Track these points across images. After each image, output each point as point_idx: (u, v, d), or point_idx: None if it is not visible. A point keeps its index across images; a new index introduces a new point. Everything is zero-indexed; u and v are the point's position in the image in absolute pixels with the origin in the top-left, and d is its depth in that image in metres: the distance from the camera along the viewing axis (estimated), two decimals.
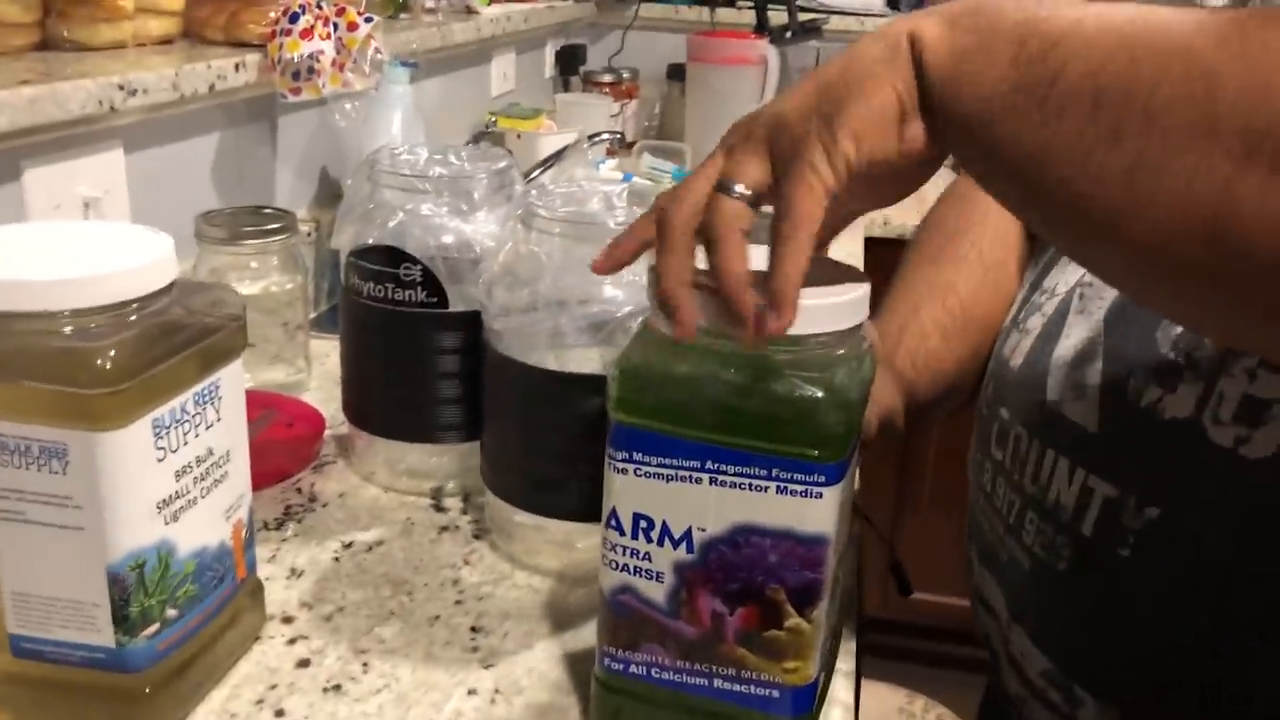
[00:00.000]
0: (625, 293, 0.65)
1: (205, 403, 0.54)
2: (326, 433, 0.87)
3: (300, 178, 1.22)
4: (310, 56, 1.03)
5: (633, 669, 0.55)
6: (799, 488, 0.50)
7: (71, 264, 0.50)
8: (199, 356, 0.53)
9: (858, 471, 0.59)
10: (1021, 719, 0.66)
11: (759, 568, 0.51)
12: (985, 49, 0.43)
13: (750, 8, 1.99)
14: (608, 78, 2.04)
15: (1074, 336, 0.59)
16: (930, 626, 1.89)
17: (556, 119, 1.82)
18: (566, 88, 2.08)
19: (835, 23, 2.09)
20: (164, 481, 0.52)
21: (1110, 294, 0.58)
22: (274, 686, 0.59)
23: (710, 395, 0.50)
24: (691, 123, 1.92)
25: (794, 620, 0.52)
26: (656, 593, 0.53)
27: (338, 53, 1.05)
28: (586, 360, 0.67)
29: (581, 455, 0.68)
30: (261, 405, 0.87)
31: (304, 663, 0.61)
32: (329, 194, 1.26)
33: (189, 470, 0.53)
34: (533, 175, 1.40)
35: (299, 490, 0.80)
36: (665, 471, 0.51)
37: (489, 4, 1.69)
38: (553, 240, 0.66)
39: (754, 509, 0.50)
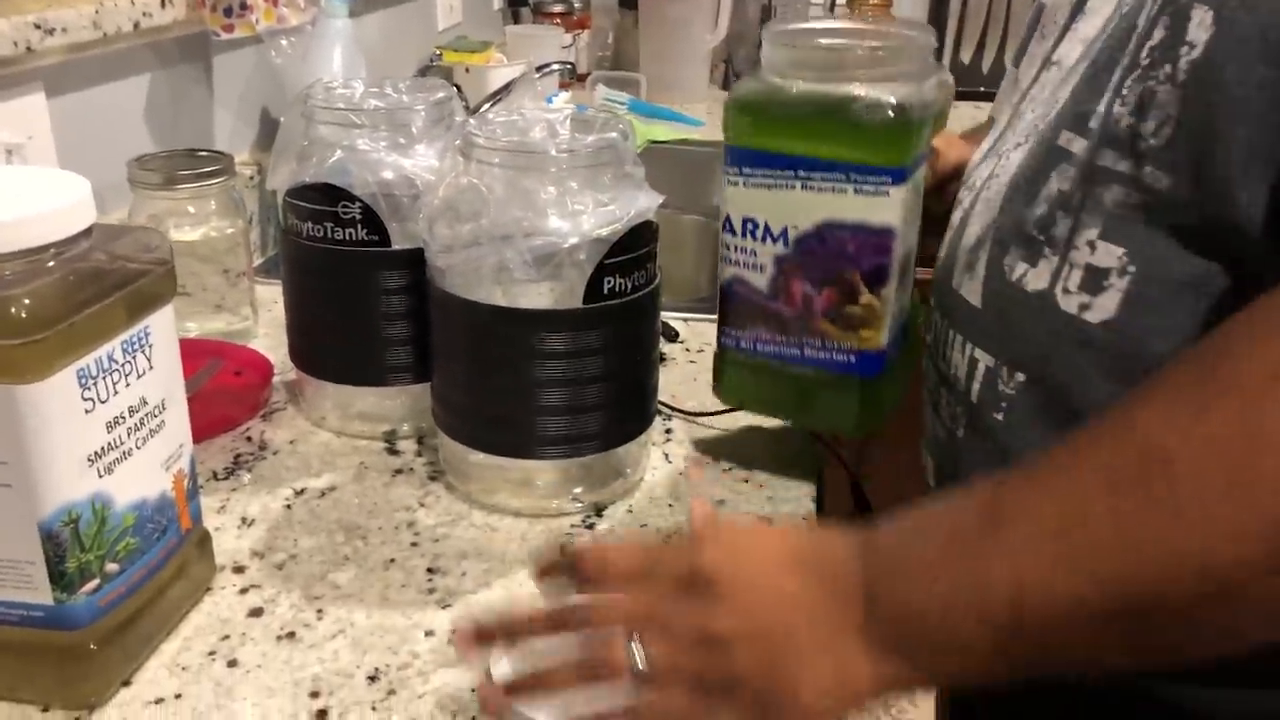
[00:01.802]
0: (570, 224, 0.63)
1: (135, 350, 0.52)
2: (275, 379, 0.85)
3: (239, 119, 1.18)
4: None
5: (743, 344, 0.71)
6: (870, 187, 0.65)
7: None
8: (125, 302, 0.51)
9: (921, 194, 0.71)
10: None
11: (840, 255, 0.66)
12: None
13: None
14: (559, 8, 1.99)
15: (975, 225, 0.63)
16: None
17: (506, 52, 1.78)
18: (516, 19, 2.02)
19: None
20: (94, 433, 0.50)
21: (1005, 180, 0.60)
22: (226, 637, 0.58)
23: (800, 118, 0.66)
24: (646, 52, 1.88)
25: (867, 298, 0.67)
26: (760, 281, 0.69)
27: None
28: (535, 294, 0.66)
29: (534, 391, 0.67)
30: (207, 354, 0.85)
31: (256, 612, 0.60)
32: (270, 135, 1.22)
33: (121, 421, 0.52)
34: (482, 109, 1.37)
35: (249, 439, 0.78)
36: (767, 181, 0.67)
37: None
38: (494, 171, 0.64)
39: (835, 207, 0.66)
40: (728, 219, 0.69)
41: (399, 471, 0.74)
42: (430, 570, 0.64)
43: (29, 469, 0.47)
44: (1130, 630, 0.40)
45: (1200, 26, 0.48)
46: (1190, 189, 0.48)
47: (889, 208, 0.65)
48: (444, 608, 0.60)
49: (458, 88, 1.52)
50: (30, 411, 0.47)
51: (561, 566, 0.51)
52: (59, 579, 0.50)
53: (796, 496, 0.72)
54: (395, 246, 0.73)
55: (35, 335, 0.46)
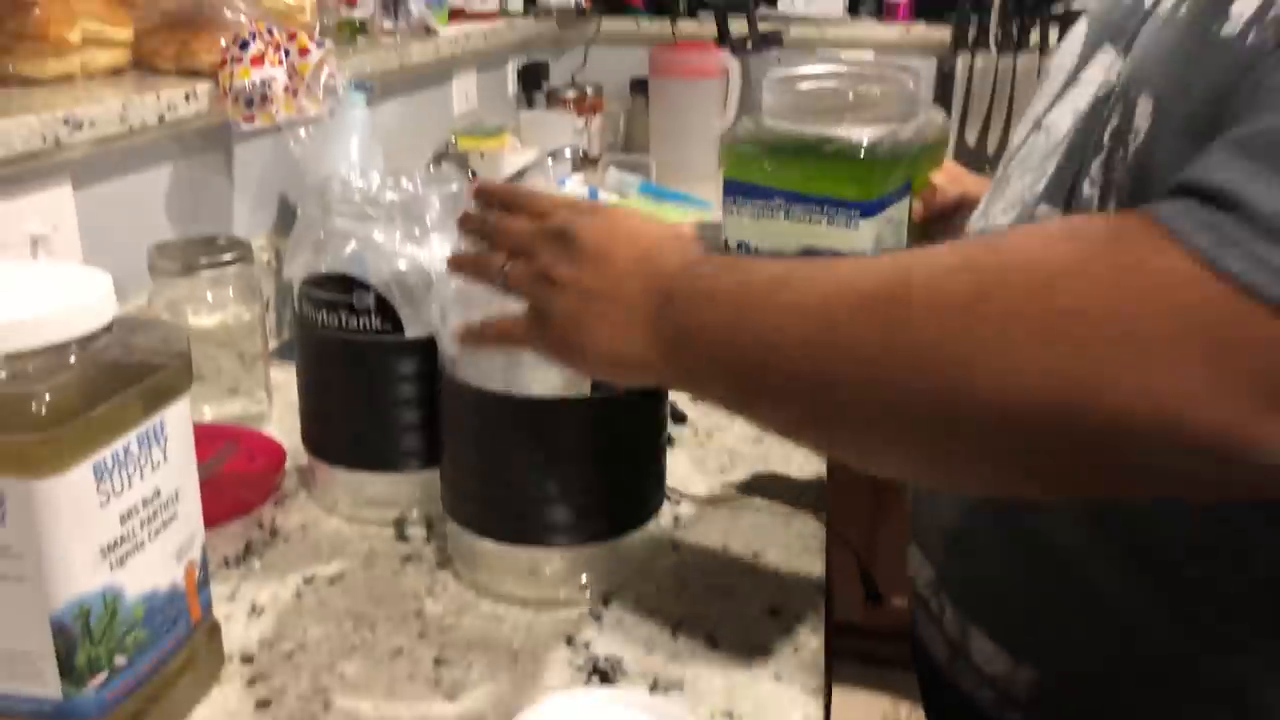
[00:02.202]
0: None
1: (150, 443, 0.53)
2: (288, 464, 0.85)
3: (258, 206, 1.20)
4: (262, 84, 1.02)
5: None
6: (841, 219, 0.74)
7: (4, 306, 0.49)
8: (142, 396, 0.52)
9: (905, 223, 0.80)
10: (919, 640, 0.73)
11: None
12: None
13: (711, 19, 1.99)
14: (571, 94, 2.03)
15: None
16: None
17: (521, 136, 1.82)
18: (530, 105, 2.07)
19: (795, 32, 2.09)
20: (108, 526, 0.51)
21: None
22: None
23: (781, 156, 0.75)
24: (656, 136, 1.92)
25: None
26: None
27: (290, 79, 1.04)
28: (545, 381, 0.66)
29: (542, 478, 0.67)
30: (221, 439, 0.86)
31: (264, 703, 0.60)
32: (288, 222, 1.24)
33: (135, 513, 0.52)
34: None
35: (260, 525, 0.78)
36: (755, 210, 0.77)
37: (448, 24, 1.69)
38: None
39: (813, 235, 0.75)
40: (726, 242, 0.79)
41: (408, 558, 0.74)
42: (437, 661, 0.63)
43: (43, 562, 0.48)
44: (815, 397, 0.48)
45: (1143, 115, 0.51)
46: None
47: (858, 238, 0.75)
48: (450, 700, 0.60)
49: (473, 172, 1.56)
50: (46, 506, 0.47)
51: (491, 195, 0.64)
52: (68, 672, 0.50)
53: (805, 583, 0.72)
54: (409, 335, 0.74)
55: (54, 430, 0.47)
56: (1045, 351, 0.40)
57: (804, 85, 0.81)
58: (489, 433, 0.68)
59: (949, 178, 0.85)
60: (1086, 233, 0.43)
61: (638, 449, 0.70)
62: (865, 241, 0.75)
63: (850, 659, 0.73)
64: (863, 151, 0.74)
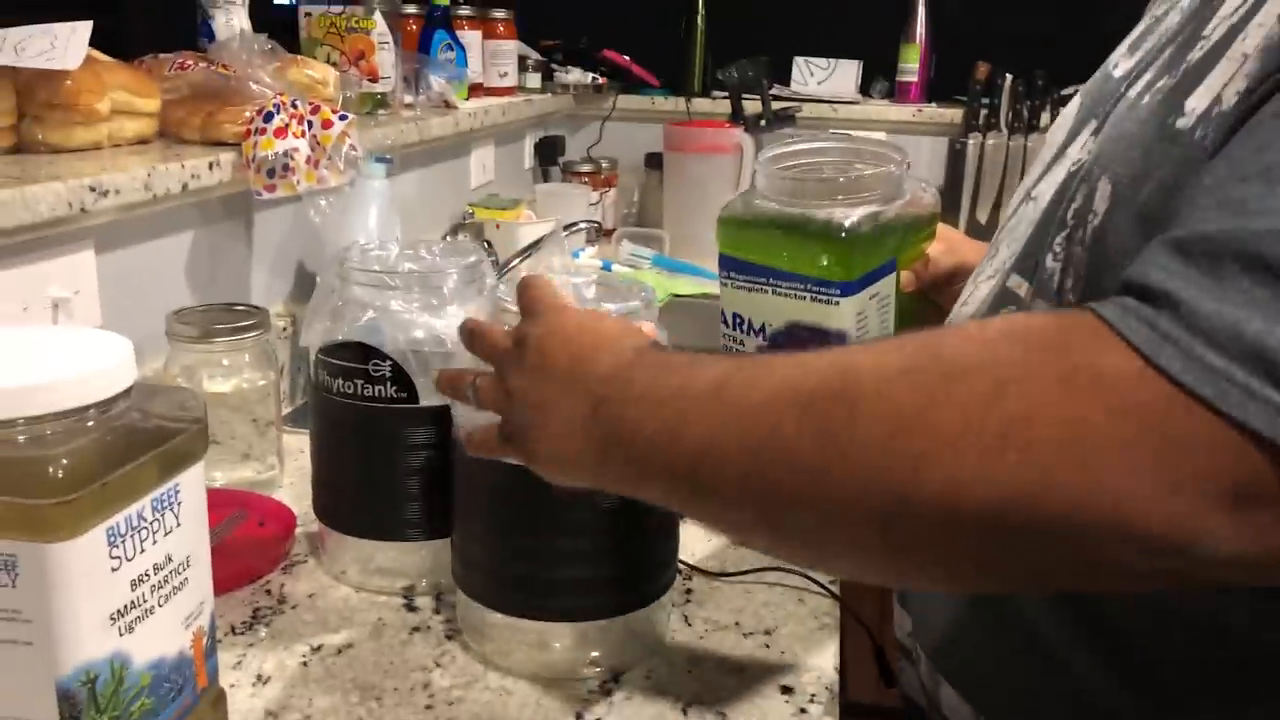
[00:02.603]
0: None
1: (164, 508, 0.53)
2: (298, 530, 0.85)
3: (276, 274, 1.22)
4: (285, 154, 1.04)
5: None
6: (823, 296, 0.75)
7: (26, 370, 0.49)
8: (157, 461, 0.52)
9: (893, 297, 0.82)
10: (904, 693, 0.74)
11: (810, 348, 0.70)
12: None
13: (725, 98, 2.03)
14: (586, 167, 2.06)
15: None
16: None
17: (536, 209, 1.84)
18: (546, 178, 2.10)
19: (809, 110, 2.13)
20: (118, 591, 0.50)
21: (968, 314, 0.65)
22: None
23: (768, 234, 0.77)
24: (670, 210, 1.94)
25: None
26: None
27: (312, 150, 1.06)
28: None
29: (553, 552, 0.67)
30: (232, 504, 0.86)
31: None
32: (305, 289, 1.26)
33: (145, 579, 0.52)
34: (511, 265, 1.41)
35: (268, 591, 0.78)
36: (747, 285, 0.78)
37: (467, 98, 1.72)
38: None
39: (797, 311, 0.76)
40: (723, 313, 0.81)
41: (416, 629, 0.73)
42: None
43: (51, 628, 0.48)
44: (762, 504, 0.48)
45: (1101, 197, 0.52)
46: None
47: (839, 316, 0.76)
48: None
49: (488, 243, 1.58)
50: (58, 570, 0.47)
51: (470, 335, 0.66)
52: None
53: (818, 662, 0.71)
54: (423, 403, 0.74)
55: (70, 495, 0.47)
56: (994, 459, 0.40)
57: (793, 164, 0.84)
58: (500, 505, 0.68)
59: (945, 247, 0.86)
60: (1033, 335, 0.43)
61: (651, 524, 0.69)
62: (847, 318, 0.77)
63: None
64: (843, 232, 0.76)
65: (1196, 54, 0.50)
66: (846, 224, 0.76)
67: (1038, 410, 0.40)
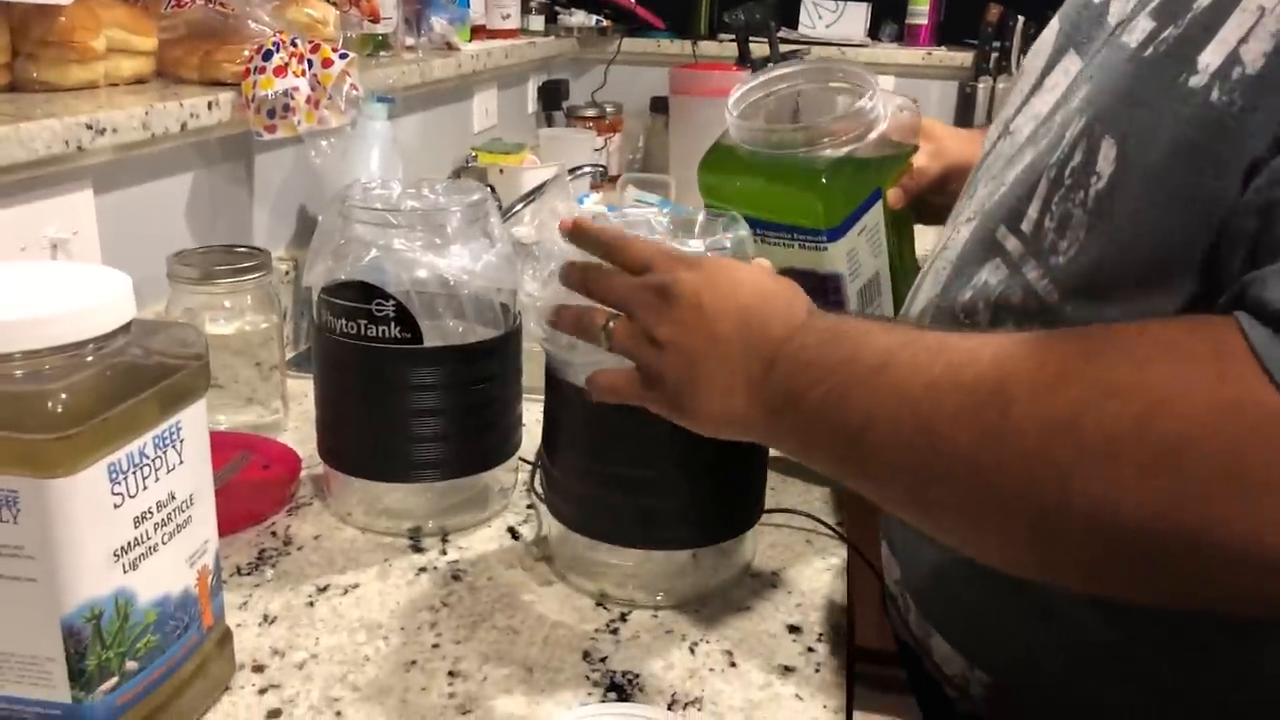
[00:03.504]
0: None
1: (166, 445, 0.53)
2: (303, 473, 0.85)
3: (277, 216, 1.20)
4: (285, 94, 1.02)
5: None
6: (810, 244, 0.77)
7: (23, 305, 0.48)
8: (158, 397, 0.52)
9: (882, 224, 0.83)
10: (897, 638, 0.73)
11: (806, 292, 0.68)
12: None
13: (732, 40, 1.99)
14: (591, 112, 2.04)
15: (923, 295, 0.66)
16: None
17: (540, 154, 1.82)
18: (550, 123, 2.08)
19: (817, 53, 2.09)
20: (121, 528, 0.50)
21: (951, 257, 0.64)
22: None
23: (752, 192, 0.78)
24: (675, 155, 1.92)
25: None
26: None
27: (313, 89, 1.04)
28: None
29: (657, 479, 0.67)
30: (237, 447, 0.86)
31: (274, 713, 0.59)
32: (307, 232, 1.24)
33: (149, 516, 0.52)
34: (514, 209, 1.39)
35: (274, 533, 0.78)
36: None
37: (469, 40, 1.69)
38: None
39: (789, 258, 0.79)
40: None
41: (423, 570, 0.73)
42: (451, 673, 0.62)
43: (55, 564, 0.47)
44: (915, 484, 0.49)
45: (1106, 159, 0.50)
46: (1076, 309, 0.51)
47: (830, 260, 0.78)
48: (464, 714, 0.59)
49: (491, 188, 1.56)
50: (59, 506, 0.47)
51: (588, 238, 0.63)
52: (78, 677, 0.49)
53: (826, 603, 0.71)
54: (427, 344, 0.73)
55: (69, 430, 0.46)
56: (1146, 479, 0.40)
57: (766, 94, 0.84)
58: (611, 437, 0.67)
59: (932, 150, 0.87)
60: (1184, 353, 0.42)
61: (745, 457, 0.69)
62: (838, 260, 0.79)
63: (871, 683, 0.72)
64: (823, 178, 0.76)
65: (1203, 1, 0.48)
66: (824, 173, 0.76)
67: (1193, 438, 0.39)
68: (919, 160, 0.86)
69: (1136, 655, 0.55)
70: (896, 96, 0.86)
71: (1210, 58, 0.46)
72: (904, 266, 0.91)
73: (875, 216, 0.82)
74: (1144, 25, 0.51)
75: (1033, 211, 0.56)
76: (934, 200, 0.88)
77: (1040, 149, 0.58)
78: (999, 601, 0.60)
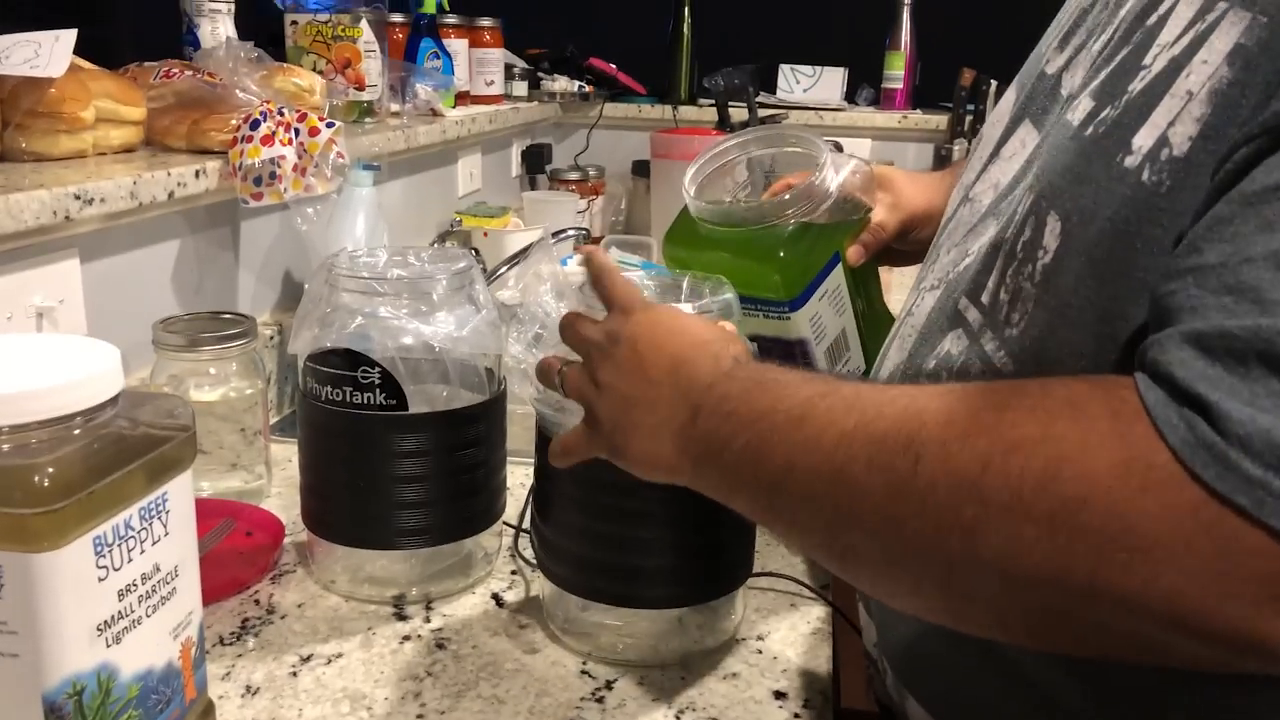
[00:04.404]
0: None
1: (152, 517, 0.53)
2: (286, 540, 0.85)
3: (263, 282, 1.21)
4: (271, 162, 1.03)
5: None
6: (774, 314, 0.80)
7: (10, 378, 0.48)
8: (145, 469, 0.52)
9: (845, 289, 0.86)
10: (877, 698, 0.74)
11: (774, 356, 0.71)
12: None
13: (712, 105, 2.03)
14: (574, 175, 2.06)
15: (890, 360, 0.67)
16: None
17: (524, 217, 1.84)
18: (533, 186, 2.10)
19: (795, 117, 2.13)
20: (105, 602, 0.50)
21: (917, 324, 0.65)
22: None
23: (714, 265, 0.77)
24: (657, 217, 1.94)
25: None
26: None
27: (299, 158, 1.05)
28: None
29: (640, 539, 0.68)
30: (220, 514, 0.85)
31: None
32: (292, 297, 1.25)
33: (133, 589, 0.51)
34: (499, 272, 1.41)
35: (257, 601, 0.77)
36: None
37: (454, 106, 1.72)
38: None
39: (755, 327, 0.82)
40: None
41: (407, 638, 0.73)
42: None
43: (38, 639, 0.47)
44: (831, 533, 0.50)
45: (1052, 234, 0.51)
46: (1030, 376, 0.52)
47: (794, 327, 0.80)
48: None
49: (476, 251, 1.57)
50: (44, 581, 0.47)
51: (590, 262, 0.67)
52: None
53: (811, 667, 0.71)
54: (412, 410, 0.74)
55: (56, 504, 0.46)
56: (1050, 535, 0.41)
57: (721, 164, 0.87)
58: (588, 496, 0.68)
59: (891, 202, 0.89)
60: (1085, 411, 0.43)
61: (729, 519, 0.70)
62: (803, 328, 0.81)
63: None
64: (781, 252, 0.78)
65: (1138, 84, 0.49)
66: (781, 247, 0.79)
67: (1090, 495, 0.41)
68: (878, 214, 0.88)
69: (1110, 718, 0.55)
70: (850, 158, 0.88)
71: (1143, 139, 0.48)
72: (874, 314, 0.93)
73: (836, 279, 0.84)
74: (1086, 105, 0.53)
75: (991, 283, 0.57)
76: (898, 248, 0.91)
77: (1001, 222, 0.59)
78: (972, 667, 0.60)
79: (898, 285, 1.32)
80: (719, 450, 0.55)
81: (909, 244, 0.91)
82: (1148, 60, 0.49)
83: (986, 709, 0.60)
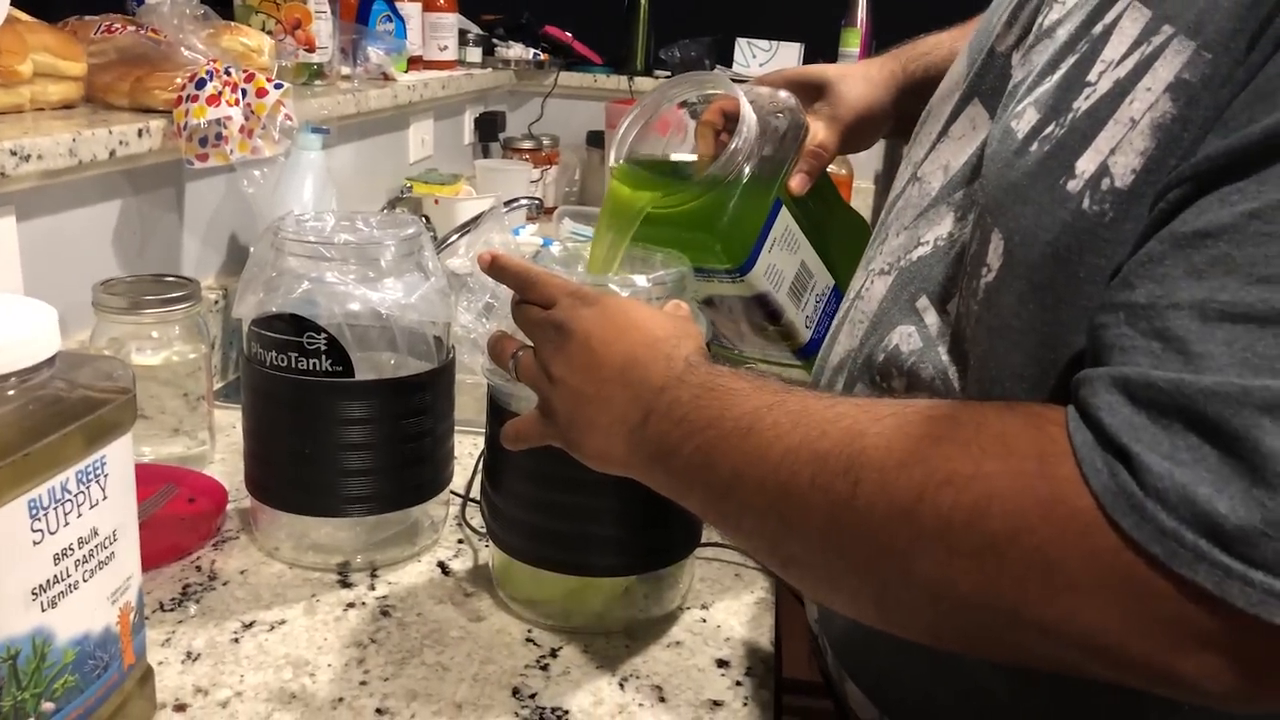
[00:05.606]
0: None
1: (89, 481, 0.52)
2: (229, 507, 0.84)
3: (208, 245, 1.19)
4: (217, 123, 1.01)
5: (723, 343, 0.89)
6: (728, 278, 0.80)
7: None
8: (83, 432, 0.51)
9: (794, 226, 0.84)
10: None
11: (739, 311, 0.80)
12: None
13: (668, 76, 2.02)
14: (527, 144, 2.05)
15: (840, 345, 0.68)
16: None
17: (476, 185, 1.82)
18: (486, 154, 2.08)
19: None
20: (40, 566, 0.49)
21: (869, 311, 0.65)
22: None
23: (657, 240, 0.77)
24: None
25: (774, 327, 0.85)
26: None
27: (246, 119, 1.03)
28: None
29: (593, 509, 0.68)
30: (162, 480, 0.84)
31: None
32: (237, 262, 1.23)
33: (70, 553, 0.51)
34: (449, 241, 1.39)
35: (198, 568, 0.76)
36: None
37: (406, 71, 1.70)
38: None
39: (713, 289, 0.82)
40: None
41: (351, 605, 0.73)
42: (379, 711, 0.62)
43: None
44: (774, 541, 0.52)
45: (995, 253, 0.52)
46: (974, 393, 0.54)
47: (750, 287, 0.79)
48: None
49: (426, 219, 1.55)
50: None
51: (504, 273, 0.65)
52: None
53: (754, 637, 0.71)
54: (359, 377, 0.73)
55: None
56: (977, 565, 0.43)
57: (649, 139, 0.86)
58: (541, 465, 0.68)
59: (828, 118, 0.85)
60: (1015, 449, 0.44)
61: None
62: (759, 282, 0.80)
63: (799, 715, 0.73)
64: (713, 222, 0.77)
65: (1083, 104, 0.49)
66: (713, 217, 0.77)
67: (1015, 531, 0.42)
68: (817, 132, 0.84)
69: (1036, 706, 0.56)
70: (774, 94, 0.84)
71: (1085, 164, 0.47)
72: (836, 222, 0.89)
73: (783, 223, 0.82)
74: (1030, 116, 0.52)
75: (948, 293, 0.58)
76: (850, 150, 0.88)
77: (960, 222, 0.59)
78: (908, 653, 0.60)
79: None
80: (669, 454, 0.55)
81: (861, 146, 0.89)
82: (1092, 77, 0.49)
83: (924, 695, 0.62)
